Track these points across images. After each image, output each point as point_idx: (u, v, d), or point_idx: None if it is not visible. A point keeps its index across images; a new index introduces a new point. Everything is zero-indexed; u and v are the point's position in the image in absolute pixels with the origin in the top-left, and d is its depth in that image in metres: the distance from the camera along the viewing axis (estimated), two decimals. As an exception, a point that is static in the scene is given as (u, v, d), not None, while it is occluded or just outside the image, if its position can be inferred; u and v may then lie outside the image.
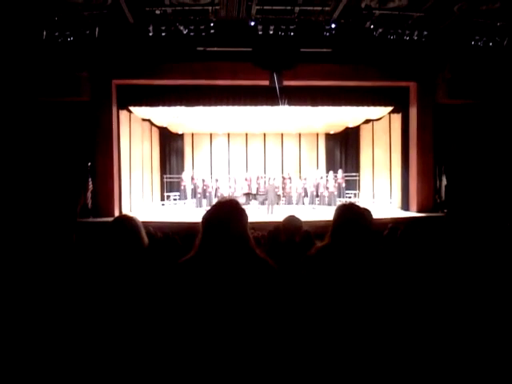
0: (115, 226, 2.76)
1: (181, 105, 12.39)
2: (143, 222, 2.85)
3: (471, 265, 3.02)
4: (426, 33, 9.95)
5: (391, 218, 10.43)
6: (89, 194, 12.17)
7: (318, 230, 4.26)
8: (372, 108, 13.20)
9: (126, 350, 2.40)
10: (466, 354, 2.52)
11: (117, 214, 11.99)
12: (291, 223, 4.17)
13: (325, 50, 10.89)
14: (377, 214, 10.36)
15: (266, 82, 10.87)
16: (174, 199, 16.73)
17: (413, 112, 12.68)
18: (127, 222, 2.77)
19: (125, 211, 12.49)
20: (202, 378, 2.01)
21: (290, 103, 11.64)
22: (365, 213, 2.52)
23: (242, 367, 2.01)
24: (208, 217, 2.20)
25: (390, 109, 13.57)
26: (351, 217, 2.44)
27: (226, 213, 2.17)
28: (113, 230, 2.73)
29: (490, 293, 2.79)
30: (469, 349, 2.53)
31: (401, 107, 13.12)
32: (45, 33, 10.60)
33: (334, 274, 2.31)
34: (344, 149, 18.34)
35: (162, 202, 16.81)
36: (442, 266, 2.97)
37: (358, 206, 2.54)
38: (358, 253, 2.35)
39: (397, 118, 13.85)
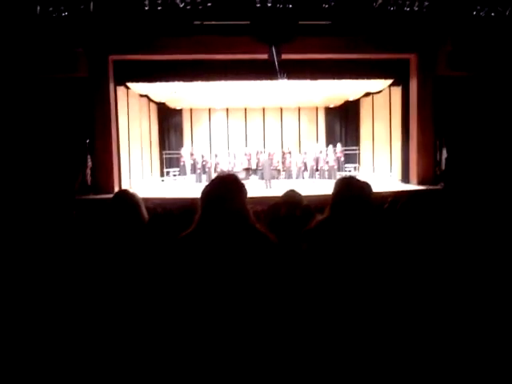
0: (115, 201, 2.76)
1: (179, 80, 12.26)
2: (143, 198, 2.85)
3: (468, 236, 3.02)
4: (426, 3, 9.80)
5: (391, 192, 10.42)
6: (88, 171, 12.16)
7: (318, 203, 4.27)
8: (372, 81, 13.07)
9: (127, 325, 2.42)
10: (466, 329, 2.55)
11: (116, 190, 11.98)
12: (291, 198, 4.16)
13: (324, 22, 10.70)
14: (377, 188, 10.35)
15: (264, 56, 10.72)
16: (174, 175, 16.71)
17: (413, 84, 12.56)
18: (127, 197, 2.77)
19: (124, 187, 12.47)
20: (204, 353, 2.03)
21: (289, 77, 11.51)
22: (364, 186, 2.51)
23: (243, 341, 2.03)
24: (207, 192, 2.19)
25: (390, 81, 13.44)
26: (351, 190, 2.44)
27: (225, 188, 2.17)
28: (113, 205, 2.74)
29: (487, 264, 2.80)
30: (468, 324, 2.56)
31: (401, 80, 12.99)
32: (38, 8, 10.45)
33: (334, 247, 2.32)
34: (344, 122, 18.23)
35: (162, 178, 16.80)
36: (441, 237, 2.98)
37: (357, 180, 2.54)
38: (358, 226, 2.35)
39: (397, 91, 13.73)
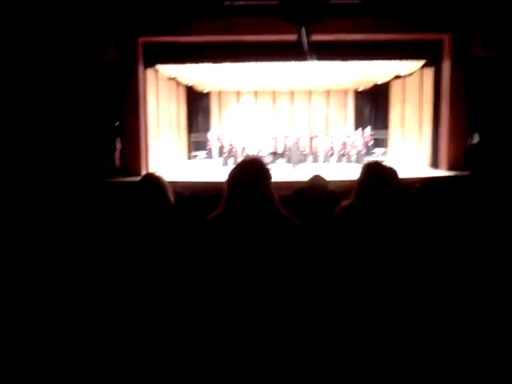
0: (142, 184, 2.79)
1: (207, 62, 12.22)
2: (170, 182, 2.87)
3: (493, 222, 2.95)
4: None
5: (419, 178, 10.24)
6: (117, 154, 12.30)
7: (344, 189, 4.22)
8: (403, 62, 12.74)
9: (152, 307, 2.46)
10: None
11: (144, 173, 12.10)
12: (316, 183, 4.15)
13: (354, 2, 10.48)
14: (405, 173, 10.23)
15: (293, 37, 10.56)
16: (201, 158, 16.79)
17: (446, 66, 12.19)
18: (154, 180, 2.80)
19: (152, 170, 12.60)
20: (229, 330, 2.05)
21: (319, 58, 11.32)
22: (390, 172, 2.48)
23: (266, 322, 2.04)
24: (232, 176, 2.20)
25: (421, 63, 13.06)
26: (376, 176, 2.41)
27: (250, 172, 2.17)
28: (140, 188, 2.77)
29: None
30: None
31: (433, 61, 12.60)
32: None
33: (358, 233, 2.30)
34: (373, 106, 17.92)
35: (189, 161, 16.90)
36: (466, 224, 2.92)
37: (383, 165, 2.50)
38: (383, 212, 2.32)
39: (429, 74, 13.35)
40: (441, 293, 2.51)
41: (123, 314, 2.48)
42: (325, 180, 4.19)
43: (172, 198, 2.82)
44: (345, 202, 2.46)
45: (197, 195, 4.80)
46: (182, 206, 3.14)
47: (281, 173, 12.84)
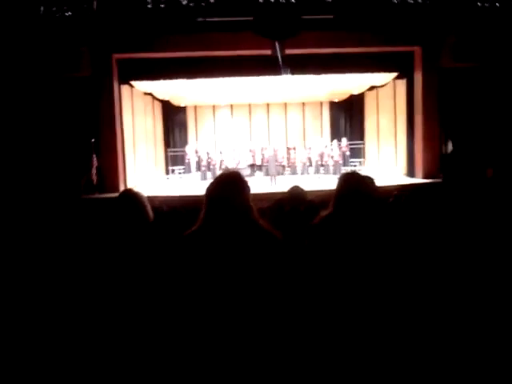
0: (121, 200, 2.78)
1: (182, 77, 12.27)
2: (148, 197, 2.86)
3: (467, 229, 3.01)
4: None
5: (396, 186, 10.40)
6: (94, 171, 12.19)
7: (323, 199, 4.27)
8: (376, 74, 13.00)
9: (131, 323, 2.43)
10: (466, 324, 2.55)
11: (122, 189, 12.02)
12: (295, 193, 4.18)
13: (327, 16, 10.67)
14: (382, 182, 10.38)
15: (268, 52, 10.70)
16: (179, 173, 16.72)
17: (418, 77, 12.49)
18: (132, 196, 2.78)
19: (130, 186, 12.51)
20: (206, 351, 2.04)
21: (293, 72, 11.48)
22: (367, 181, 2.51)
23: (245, 337, 2.04)
24: (210, 190, 2.21)
25: (394, 75, 13.36)
26: (353, 185, 2.44)
27: (228, 186, 2.18)
28: (118, 204, 2.75)
29: (489, 261, 2.79)
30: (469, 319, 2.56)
31: (405, 73, 12.92)
32: (42, 8, 10.49)
33: (338, 243, 2.33)
34: (349, 117, 18.15)
35: (167, 176, 16.82)
36: (442, 230, 2.97)
37: (360, 175, 2.54)
38: (361, 221, 2.35)
39: (401, 84, 13.65)
40: (421, 299, 2.54)
41: (100, 333, 2.45)
42: (303, 190, 4.22)
43: (151, 213, 2.82)
44: (324, 213, 2.48)
45: (175, 210, 4.79)
46: (161, 221, 3.13)
47: (259, 185, 12.89)
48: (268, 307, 2.08)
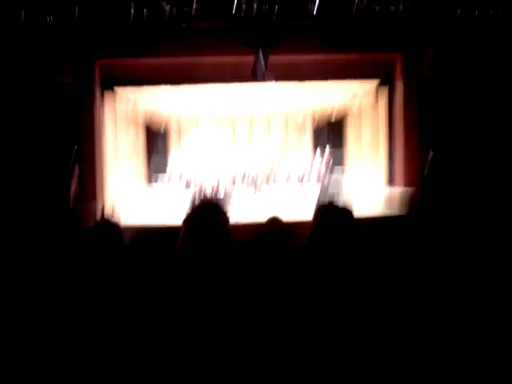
0: (96, 232, 2.78)
1: (166, 83, 12.27)
2: (125, 225, 2.87)
3: (448, 243, 2.99)
4: (411, 4, 9.97)
5: (374, 215, 10.49)
6: (75, 179, 12.02)
7: (302, 225, 4.30)
8: (358, 82, 13.20)
9: (109, 348, 2.37)
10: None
11: (102, 199, 11.92)
12: (274, 224, 4.26)
13: (310, 24, 10.82)
14: (363, 191, 10.44)
15: (251, 59, 10.79)
16: (161, 183, 16.57)
17: (399, 86, 12.71)
18: (109, 227, 2.79)
19: (110, 197, 12.39)
20: (191, 368, 2.02)
21: (277, 79, 11.58)
22: (345, 214, 2.53)
23: (230, 355, 2.02)
24: (188, 222, 2.24)
25: (376, 83, 13.56)
26: (330, 218, 2.46)
27: (206, 212, 2.22)
28: (94, 234, 2.75)
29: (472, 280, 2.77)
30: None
31: (387, 81, 13.14)
32: (23, 14, 10.41)
33: (317, 270, 2.33)
34: (330, 126, 18.29)
35: (149, 186, 16.63)
36: (423, 252, 2.95)
37: (337, 208, 2.55)
38: (339, 248, 2.37)
39: (383, 93, 13.84)
40: (400, 325, 2.50)
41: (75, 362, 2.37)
42: (282, 220, 4.32)
43: (127, 242, 2.83)
44: (302, 240, 2.51)
45: (152, 238, 4.76)
46: (138, 248, 3.16)
47: (243, 198, 12.89)
48: (246, 331, 2.08)
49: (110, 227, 2.70)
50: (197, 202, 2.33)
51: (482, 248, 2.97)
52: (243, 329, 2.00)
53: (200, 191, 14.41)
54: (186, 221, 2.21)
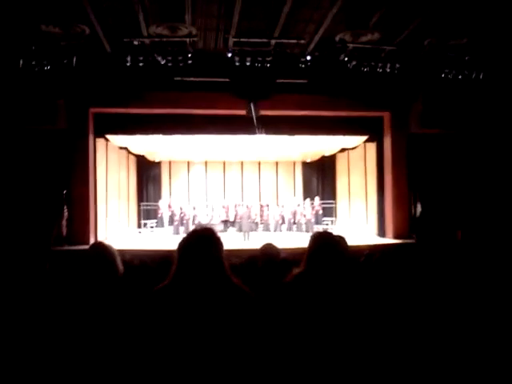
0: (91, 253, 2.76)
1: (158, 133, 12.43)
2: (119, 250, 2.85)
3: (440, 288, 3.06)
4: (398, 65, 10.27)
5: (368, 245, 10.53)
6: (64, 222, 11.99)
7: (295, 256, 4.29)
8: (347, 137, 13.46)
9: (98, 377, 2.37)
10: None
11: (92, 241, 11.82)
12: (268, 251, 4.20)
13: (300, 81, 11.11)
14: (353, 241, 10.47)
15: (243, 112, 11.00)
16: (151, 227, 16.57)
17: (387, 141, 12.98)
18: (103, 249, 2.77)
19: (100, 239, 12.29)
20: None
21: (267, 132, 11.79)
22: (339, 240, 2.57)
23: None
24: (183, 245, 2.23)
25: (365, 138, 13.84)
26: (325, 244, 2.49)
27: (201, 241, 2.20)
28: (88, 257, 2.73)
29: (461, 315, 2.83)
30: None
31: (375, 136, 13.42)
32: (21, 61, 10.58)
33: (310, 301, 2.34)
34: (321, 176, 18.54)
35: (139, 230, 16.63)
36: (414, 290, 3.01)
37: (332, 234, 2.59)
38: (333, 279, 2.38)
39: (372, 147, 14.12)
40: (393, 358, 2.55)
41: None
42: (276, 248, 4.25)
43: (121, 267, 2.80)
44: (296, 270, 2.51)
45: (146, 264, 4.72)
46: (131, 276, 3.11)
47: (232, 241, 12.86)
48: (238, 363, 2.06)
49: (103, 249, 2.66)
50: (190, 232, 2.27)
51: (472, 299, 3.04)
52: (236, 357, 1.98)
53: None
54: (181, 244, 2.18)
